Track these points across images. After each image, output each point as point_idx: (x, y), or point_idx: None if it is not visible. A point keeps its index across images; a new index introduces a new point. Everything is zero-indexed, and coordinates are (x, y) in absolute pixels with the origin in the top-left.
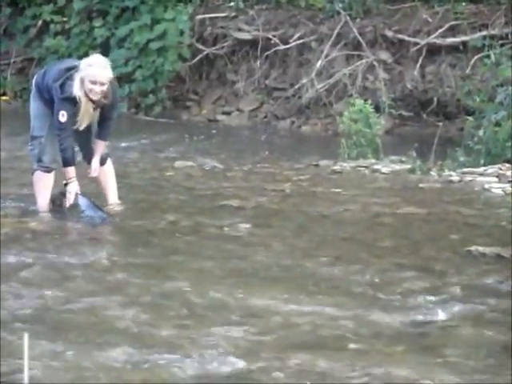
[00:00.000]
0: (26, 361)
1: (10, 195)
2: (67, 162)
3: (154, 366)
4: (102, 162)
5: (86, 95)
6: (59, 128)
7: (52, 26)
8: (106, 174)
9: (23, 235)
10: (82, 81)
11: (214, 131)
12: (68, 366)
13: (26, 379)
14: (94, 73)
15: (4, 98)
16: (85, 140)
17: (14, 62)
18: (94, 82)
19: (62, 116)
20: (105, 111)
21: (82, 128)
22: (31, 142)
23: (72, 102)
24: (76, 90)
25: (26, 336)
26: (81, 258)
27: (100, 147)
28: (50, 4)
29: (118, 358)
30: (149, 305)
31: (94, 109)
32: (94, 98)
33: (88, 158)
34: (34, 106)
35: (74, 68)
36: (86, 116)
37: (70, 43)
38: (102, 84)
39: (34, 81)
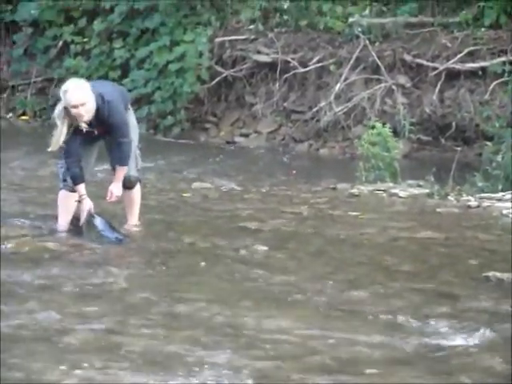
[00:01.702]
0: None
1: (28, 214)
2: (75, 181)
3: None
4: (131, 185)
5: (70, 122)
6: (64, 147)
7: (72, 46)
8: (132, 199)
9: (41, 255)
10: (67, 110)
11: (231, 153)
12: None
13: None
14: (70, 98)
15: (23, 117)
16: (108, 151)
17: (34, 82)
18: (74, 106)
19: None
20: (113, 134)
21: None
22: (60, 161)
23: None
24: (55, 116)
25: None
26: (97, 278)
27: (119, 172)
28: (70, 25)
29: (132, 379)
30: (164, 325)
31: (93, 131)
32: (84, 120)
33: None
34: None
35: None
36: (57, 141)
37: (90, 64)
38: (83, 105)
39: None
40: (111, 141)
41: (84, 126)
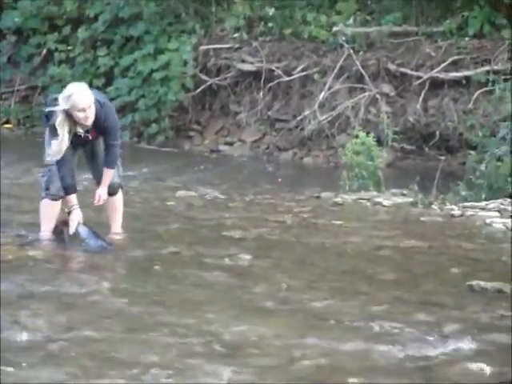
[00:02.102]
0: None
1: (12, 223)
2: (67, 190)
3: None
4: (114, 192)
5: (69, 128)
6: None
7: (56, 54)
8: (115, 205)
9: (25, 263)
10: (67, 115)
11: (216, 161)
12: None
13: None
14: (78, 101)
15: (7, 125)
16: (96, 167)
17: (17, 90)
18: (82, 110)
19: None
20: (106, 137)
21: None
22: (42, 170)
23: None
24: (56, 124)
25: None
26: (81, 286)
27: (106, 176)
28: (54, 33)
29: None
30: (147, 334)
31: (88, 137)
32: (88, 123)
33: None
34: (47, 134)
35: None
36: (63, 147)
37: (74, 72)
38: (90, 107)
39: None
40: (105, 144)
41: (81, 131)
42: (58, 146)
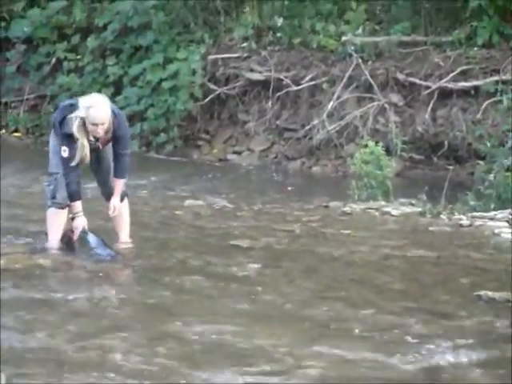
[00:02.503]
0: None
1: (20, 231)
2: (72, 197)
3: None
4: (120, 200)
5: (86, 134)
6: (62, 163)
7: (65, 63)
8: (121, 213)
9: (33, 272)
10: (83, 122)
11: (224, 170)
12: None
13: None
14: (95, 115)
15: (16, 134)
16: (102, 176)
17: (26, 99)
18: (95, 124)
19: (64, 152)
20: (116, 146)
21: (86, 163)
22: (48, 179)
23: (73, 138)
24: (75, 130)
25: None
26: (90, 295)
27: (118, 185)
28: (63, 42)
29: None
30: (156, 344)
31: (98, 146)
32: (97, 135)
33: (106, 194)
34: (52, 143)
35: (75, 105)
36: (84, 154)
37: (83, 81)
38: (103, 124)
39: (52, 118)
40: (115, 154)
41: (91, 140)
42: (80, 152)
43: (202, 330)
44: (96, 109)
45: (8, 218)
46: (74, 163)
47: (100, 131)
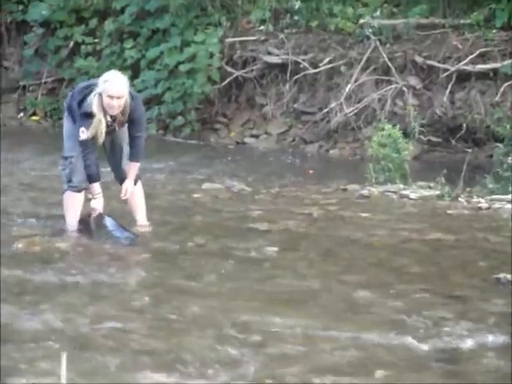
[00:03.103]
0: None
1: (39, 215)
2: (92, 179)
3: None
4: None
5: (104, 111)
6: (81, 145)
7: (83, 47)
8: (136, 195)
9: (52, 255)
10: (100, 96)
11: (242, 154)
12: None
13: None
14: (111, 87)
15: (34, 117)
16: (115, 160)
17: (44, 83)
18: (110, 97)
19: (83, 133)
20: (132, 129)
21: (100, 142)
22: (62, 162)
23: (91, 118)
24: (93, 106)
25: (64, 356)
26: (108, 278)
27: (133, 169)
28: (81, 25)
29: (144, 381)
30: (175, 326)
31: (115, 127)
32: (112, 113)
33: (119, 178)
34: (66, 126)
35: (94, 85)
36: (99, 132)
37: (101, 64)
38: (119, 98)
39: (65, 102)
40: (131, 137)
41: (108, 119)
42: (98, 130)
43: (221, 312)
44: (112, 82)
45: (27, 201)
46: (87, 139)
47: (116, 106)
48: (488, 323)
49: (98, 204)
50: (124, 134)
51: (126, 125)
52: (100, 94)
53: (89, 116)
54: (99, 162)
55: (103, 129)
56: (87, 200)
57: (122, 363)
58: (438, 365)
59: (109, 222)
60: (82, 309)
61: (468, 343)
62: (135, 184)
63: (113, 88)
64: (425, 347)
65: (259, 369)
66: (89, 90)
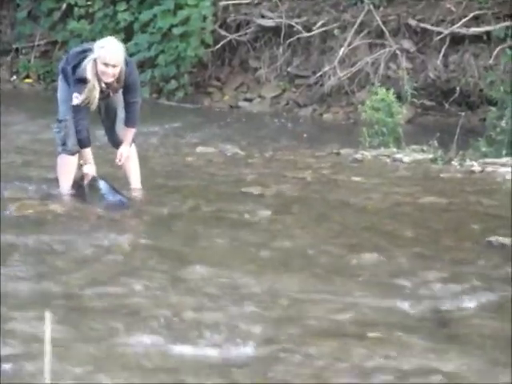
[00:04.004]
0: (47, 344)
1: (32, 178)
2: (83, 144)
3: (173, 352)
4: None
5: (98, 77)
6: (73, 110)
7: (76, 9)
8: (129, 159)
9: (45, 218)
10: (95, 62)
11: (235, 117)
12: (87, 350)
13: (47, 364)
14: (106, 55)
15: (27, 80)
16: (109, 124)
17: (37, 45)
18: (105, 64)
19: (76, 98)
20: (127, 94)
21: (93, 108)
22: (57, 125)
23: (85, 83)
24: (87, 72)
25: (48, 315)
26: (101, 241)
27: (129, 135)
28: None
29: (137, 343)
30: (168, 289)
31: (109, 93)
32: (107, 80)
33: (113, 142)
34: (61, 89)
35: (89, 50)
36: (93, 98)
37: (94, 27)
38: (114, 66)
39: (60, 65)
40: (126, 102)
41: (103, 86)
42: (91, 95)
43: (214, 276)
44: (108, 49)
45: (20, 164)
46: (80, 104)
47: (110, 73)
48: (480, 286)
49: (90, 169)
50: (119, 98)
51: (121, 90)
52: (95, 60)
53: (83, 82)
54: (94, 125)
55: (97, 95)
56: (79, 165)
57: (114, 327)
58: (429, 326)
59: (102, 184)
60: (74, 272)
61: (460, 305)
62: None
63: (109, 56)
64: (417, 309)
65: (254, 333)
66: (84, 55)
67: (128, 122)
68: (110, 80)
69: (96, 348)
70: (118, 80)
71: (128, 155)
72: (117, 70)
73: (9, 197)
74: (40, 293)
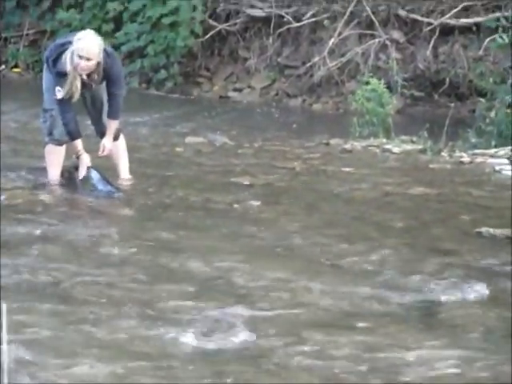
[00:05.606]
0: (4, 333)
1: (21, 167)
2: (72, 136)
3: (161, 340)
4: (115, 137)
5: (75, 70)
6: (58, 104)
7: None
8: (118, 149)
9: (34, 207)
10: (72, 55)
11: (225, 107)
12: (75, 338)
13: (3, 353)
14: (82, 47)
15: (16, 69)
16: (95, 115)
17: (26, 35)
18: (80, 57)
19: (59, 91)
20: (109, 87)
21: (76, 98)
22: (43, 115)
23: (66, 77)
24: (67, 65)
25: (3, 306)
26: (90, 231)
27: (112, 126)
28: None
29: (124, 330)
30: (157, 279)
31: (92, 85)
32: (81, 73)
33: (100, 132)
34: (46, 78)
35: (69, 43)
36: (74, 90)
37: (83, 16)
38: (88, 59)
39: (45, 54)
40: (108, 94)
41: (84, 77)
42: (72, 87)
43: (203, 266)
44: (84, 41)
45: (9, 153)
46: (63, 97)
47: (84, 67)
48: (469, 276)
49: (84, 160)
50: (104, 89)
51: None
52: (73, 52)
53: (64, 75)
54: (80, 116)
55: (79, 86)
56: (76, 157)
57: (103, 315)
58: (418, 317)
59: (94, 174)
60: (63, 262)
61: (449, 296)
62: (117, 138)
63: (83, 48)
64: (406, 300)
65: (241, 322)
66: (63, 48)
67: (110, 114)
68: (84, 73)
69: (81, 335)
70: (97, 73)
71: (117, 144)
72: (91, 63)
73: None
74: (27, 283)
